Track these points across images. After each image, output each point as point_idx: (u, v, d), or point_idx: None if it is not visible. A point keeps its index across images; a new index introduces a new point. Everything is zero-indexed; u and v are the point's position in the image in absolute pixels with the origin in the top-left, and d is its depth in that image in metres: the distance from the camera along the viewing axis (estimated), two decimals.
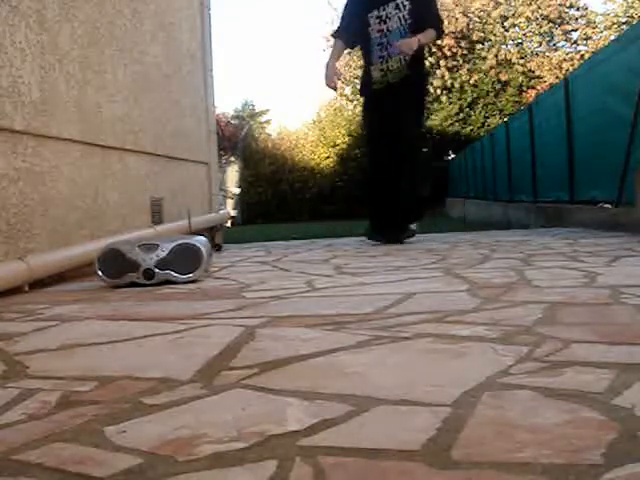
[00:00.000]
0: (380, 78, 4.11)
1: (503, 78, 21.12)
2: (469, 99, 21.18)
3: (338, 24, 4.36)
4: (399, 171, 4.07)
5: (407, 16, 3.99)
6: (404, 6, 4.00)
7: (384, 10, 4.03)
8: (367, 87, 4.25)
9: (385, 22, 4.04)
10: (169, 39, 4.32)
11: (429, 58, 21.57)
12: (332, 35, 4.40)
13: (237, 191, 19.73)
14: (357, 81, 23.29)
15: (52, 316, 1.77)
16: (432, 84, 21.37)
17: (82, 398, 0.96)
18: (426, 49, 4.68)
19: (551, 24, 22.30)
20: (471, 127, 20.92)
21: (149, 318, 1.66)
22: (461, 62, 21.75)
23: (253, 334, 1.37)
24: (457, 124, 21.06)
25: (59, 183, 2.79)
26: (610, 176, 5.08)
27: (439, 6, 4.47)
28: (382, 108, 4.09)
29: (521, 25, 22.44)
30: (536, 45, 22.72)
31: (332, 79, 4.17)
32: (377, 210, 4.29)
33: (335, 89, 4.25)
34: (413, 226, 4.27)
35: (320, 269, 2.72)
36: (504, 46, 22.41)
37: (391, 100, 4.03)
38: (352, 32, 4.20)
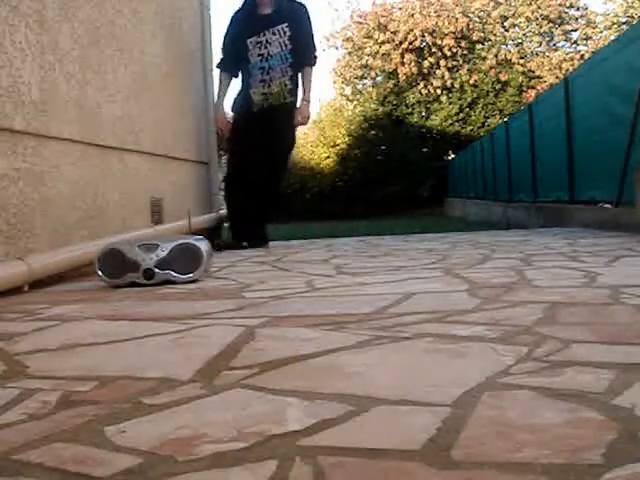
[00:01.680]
0: (261, 101, 4.20)
1: (503, 78, 21.11)
2: (469, 99, 21.17)
3: (221, 54, 4.41)
4: (263, 184, 4.27)
5: (287, 42, 4.15)
6: (284, 32, 4.14)
7: (264, 36, 4.15)
8: (244, 108, 4.29)
9: (266, 47, 4.15)
10: (169, 39, 4.32)
11: (429, 58, 21.58)
12: (217, 66, 4.46)
13: None
14: (357, 81, 23.33)
15: (52, 316, 1.77)
16: (432, 84, 21.37)
17: (82, 398, 0.96)
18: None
19: (551, 24, 22.30)
20: (471, 127, 20.91)
21: (149, 318, 1.66)
22: (461, 62, 21.75)
23: (253, 334, 1.37)
24: (457, 124, 21.05)
25: (59, 183, 2.79)
26: (610, 176, 5.08)
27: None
28: (256, 128, 4.19)
29: (521, 25, 22.44)
30: (536, 45, 22.72)
31: (223, 121, 4.44)
32: (240, 219, 4.42)
33: (225, 130, 4.42)
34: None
35: (320, 269, 2.72)
36: (504, 46, 22.41)
37: (267, 122, 4.16)
38: (235, 60, 4.30)
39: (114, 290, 2.31)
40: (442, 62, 21.51)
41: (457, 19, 21.36)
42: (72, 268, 2.77)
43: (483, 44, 22.15)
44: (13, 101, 2.44)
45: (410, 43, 21.44)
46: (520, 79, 21.23)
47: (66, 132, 2.85)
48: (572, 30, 22.42)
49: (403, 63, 21.51)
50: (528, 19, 22.17)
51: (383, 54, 21.77)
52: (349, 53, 23.19)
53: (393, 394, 0.90)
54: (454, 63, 21.70)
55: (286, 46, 4.14)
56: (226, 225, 4.66)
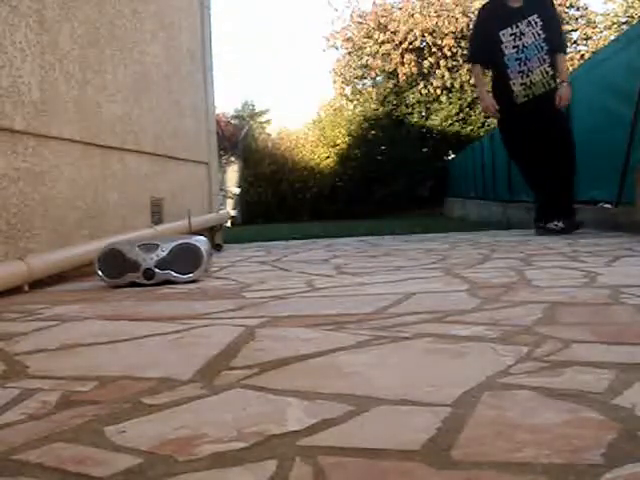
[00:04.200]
0: (523, 92, 4.29)
1: None
2: (469, 99, 21.15)
3: (470, 48, 4.60)
4: (556, 175, 4.35)
5: (540, 31, 4.24)
6: (536, 23, 4.25)
7: (517, 27, 4.26)
8: (505, 100, 4.38)
9: (520, 38, 4.26)
10: (169, 39, 4.32)
11: (429, 58, 21.57)
12: (468, 60, 4.68)
13: (237, 191, 19.73)
14: (357, 81, 23.31)
15: (52, 316, 1.77)
16: (432, 84, 21.37)
17: (82, 398, 0.96)
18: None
19: None
20: (471, 127, 20.89)
21: (149, 318, 1.66)
22: (461, 62, 21.71)
23: (253, 334, 1.37)
24: (457, 124, 21.03)
25: (59, 183, 2.79)
26: (610, 176, 5.07)
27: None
28: (528, 121, 4.27)
29: None
30: None
31: (491, 107, 4.48)
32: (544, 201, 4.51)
33: (496, 113, 4.49)
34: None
35: (320, 269, 2.72)
36: None
37: (539, 112, 4.23)
38: (486, 53, 4.44)
39: (114, 290, 2.31)
40: (442, 62, 21.48)
41: (457, 19, 21.33)
42: (72, 268, 2.77)
43: None
44: (13, 101, 2.44)
45: (410, 43, 21.42)
46: None
47: (66, 132, 2.85)
48: (572, 30, 22.40)
49: (403, 63, 21.49)
50: None
51: (383, 54, 21.75)
52: (349, 53, 23.18)
53: (393, 394, 0.89)
54: (454, 63, 21.67)
55: (539, 35, 4.22)
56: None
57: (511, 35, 4.26)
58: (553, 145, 4.30)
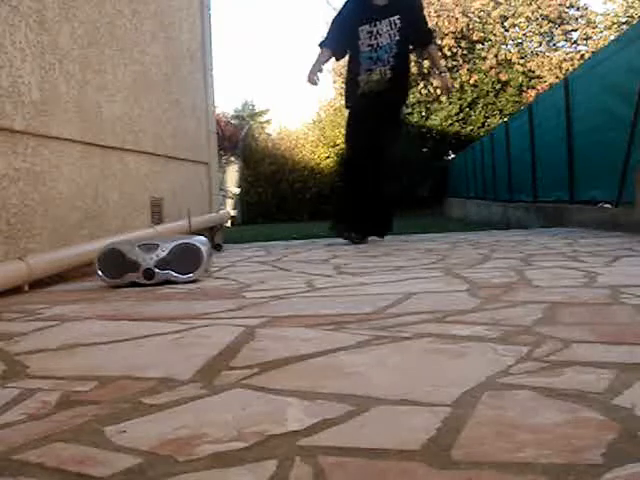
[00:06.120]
0: (363, 87, 4.27)
1: (503, 78, 21.09)
2: (469, 99, 21.15)
3: (326, 34, 4.50)
4: (374, 177, 4.27)
5: (396, 33, 4.19)
6: (395, 24, 4.19)
7: (375, 26, 4.20)
8: (352, 98, 4.40)
9: (376, 37, 4.20)
10: (169, 39, 4.32)
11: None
12: (319, 45, 4.49)
13: (237, 191, 19.73)
14: None
15: (52, 316, 1.77)
16: (432, 84, 21.36)
17: (82, 398, 0.96)
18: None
19: (551, 24, 22.27)
20: (471, 127, 20.90)
21: (149, 318, 1.66)
22: (461, 62, 21.72)
23: (253, 334, 1.37)
24: (457, 124, 21.03)
25: (59, 183, 2.79)
26: (610, 176, 5.08)
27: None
28: (362, 117, 4.27)
29: (521, 25, 22.42)
30: (536, 45, 22.70)
31: (310, 80, 4.44)
32: (351, 211, 4.40)
33: (315, 84, 4.44)
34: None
35: (320, 269, 2.72)
36: (504, 46, 22.39)
37: (369, 109, 4.21)
38: (341, 44, 4.38)
39: (114, 290, 2.31)
40: (442, 62, 21.47)
41: (457, 19, 21.33)
42: (72, 268, 2.77)
43: (483, 44, 22.13)
44: (13, 101, 2.44)
45: None
46: (520, 79, 21.21)
47: (66, 132, 2.85)
48: (572, 30, 22.40)
49: None
50: (528, 19, 22.14)
51: None
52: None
53: (393, 394, 0.89)
54: (454, 63, 21.66)
55: (394, 38, 4.19)
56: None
57: (368, 33, 4.21)
58: (378, 149, 4.23)
